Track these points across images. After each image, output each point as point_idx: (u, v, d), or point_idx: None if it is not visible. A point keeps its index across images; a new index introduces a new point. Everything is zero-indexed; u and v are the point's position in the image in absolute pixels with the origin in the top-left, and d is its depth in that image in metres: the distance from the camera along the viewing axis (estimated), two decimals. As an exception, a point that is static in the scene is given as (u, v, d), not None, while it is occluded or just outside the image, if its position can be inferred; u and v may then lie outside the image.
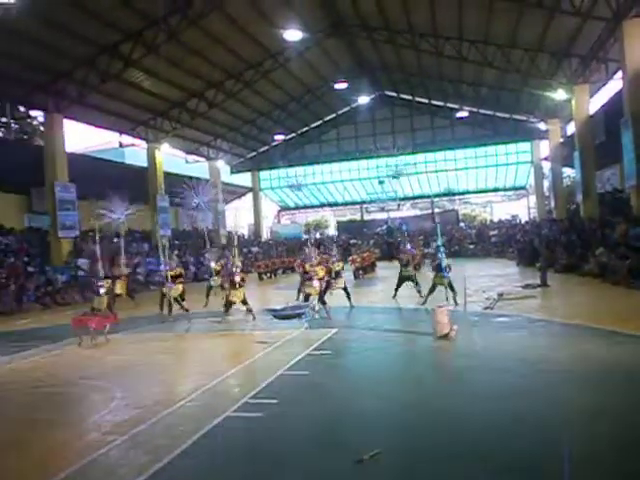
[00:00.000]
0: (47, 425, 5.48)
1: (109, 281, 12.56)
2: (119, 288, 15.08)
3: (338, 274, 12.86)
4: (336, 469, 4.02)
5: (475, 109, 33.75)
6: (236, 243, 13.50)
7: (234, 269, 11.87)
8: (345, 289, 12.84)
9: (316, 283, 11.39)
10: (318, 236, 44.18)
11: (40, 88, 20.19)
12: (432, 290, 11.99)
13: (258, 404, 5.57)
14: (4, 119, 27.76)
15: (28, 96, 20.70)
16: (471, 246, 34.12)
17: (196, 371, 7.69)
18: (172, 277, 12.58)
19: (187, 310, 12.55)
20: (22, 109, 25.06)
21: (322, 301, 11.48)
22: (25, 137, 30.29)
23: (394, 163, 36.30)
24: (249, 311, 11.84)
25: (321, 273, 11.82)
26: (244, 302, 11.82)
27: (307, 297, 11.90)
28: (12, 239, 21.14)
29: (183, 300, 12.62)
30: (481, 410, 5.10)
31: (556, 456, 3.99)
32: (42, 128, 25.65)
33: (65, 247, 21.66)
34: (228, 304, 11.81)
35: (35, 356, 9.32)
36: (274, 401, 5.65)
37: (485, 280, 16.99)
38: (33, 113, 27.15)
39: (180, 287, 12.70)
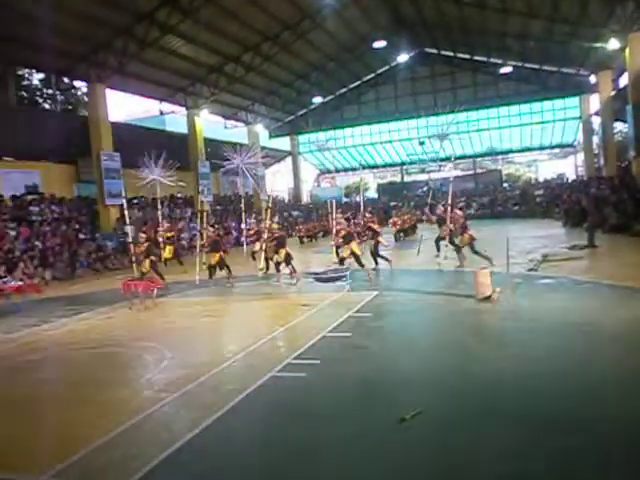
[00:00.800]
0: (104, 383, 5.82)
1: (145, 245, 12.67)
2: (167, 252, 15.58)
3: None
4: (379, 427, 4.14)
5: (520, 64, 32.25)
6: (270, 206, 13.77)
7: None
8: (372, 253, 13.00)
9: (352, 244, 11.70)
10: (358, 199, 44.09)
11: (82, 59, 20.51)
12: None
13: (301, 364, 5.74)
14: (50, 91, 28.45)
15: (71, 67, 21.08)
16: (515, 207, 33.27)
17: (240, 333, 7.93)
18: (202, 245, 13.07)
19: (228, 276, 12.86)
20: (66, 80, 25.59)
21: (360, 264, 11.65)
22: (70, 108, 30.99)
23: (439, 123, 35.34)
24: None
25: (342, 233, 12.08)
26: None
27: (342, 261, 12.04)
28: (63, 208, 21.93)
29: (221, 268, 12.88)
30: (523, 372, 5.11)
31: (596, 417, 4.00)
32: (86, 98, 26.20)
33: (112, 214, 22.36)
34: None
35: (89, 319, 9.81)
36: (317, 362, 5.81)
37: (529, 241, 16.63)
38: (77, 84, 27.76)
39: (217, 255, 12.76)
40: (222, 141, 32.64)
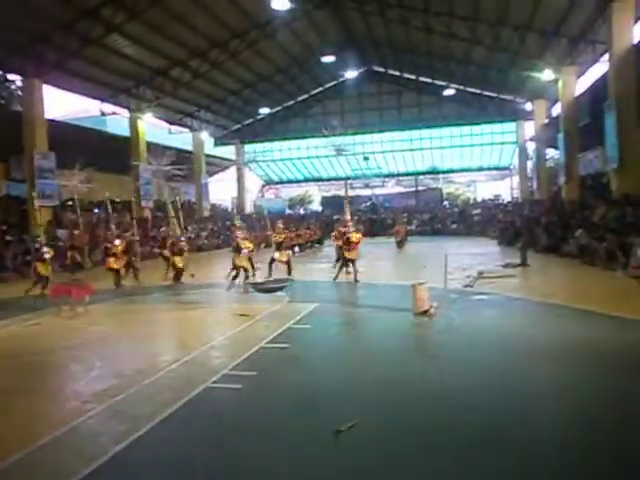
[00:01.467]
0: (27, 393, 5.47)
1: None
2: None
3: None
4: (314, 439, 4.09)
5: (462, 87, 33.63)
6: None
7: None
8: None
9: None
10: (302, 211, 44.27)
11: (18, 51, 19.51)
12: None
13: (237, 376, 5.61)
14: (-20, 83, 26.96)
15: (5, 59, 20.05)
16: (454, 225, 34.40)
17: (176, 342, 7.71)
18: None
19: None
20: (-1, 73, 24.34)
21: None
22: (2, 102, 29.42)
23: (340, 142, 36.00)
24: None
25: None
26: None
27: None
28: (-11, 207, 20.75)
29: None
30: (457, 384, 5.21)
31: (527, 429, 4.12)
32: (20, 93, 24.97)
33: (44, 216, 21.30)
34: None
35: (15, 325, 9.24)
36: (253, 373, 5.70)
37: (466, 258, 17.18)
38: (11, 77, 26.40)
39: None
40: (165, 146, 32.12)
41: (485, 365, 5.85)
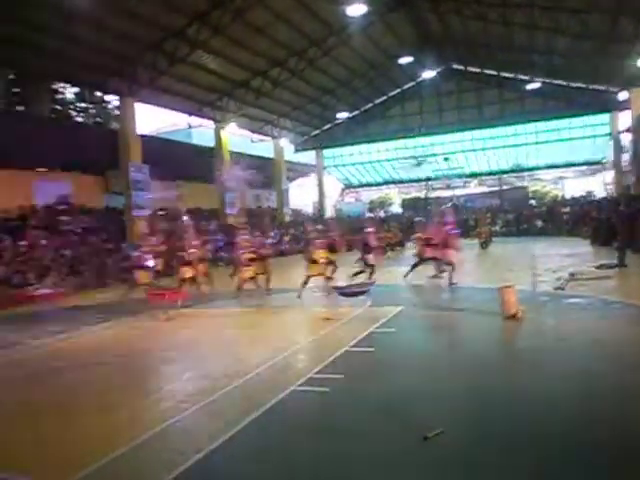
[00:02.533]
0: (127, 391, 5.88)
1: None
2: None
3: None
4: (401, 445, 4.07)
5: (547, 80, 32.00)
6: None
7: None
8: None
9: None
10: (382, 214, 44.05)
11: (114, 74, 21.07)
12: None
13: (324, 379, 5.70)
14: (83, 104, 29.27)
15: (104, 82, 21.65)
16: (541, 224, 32.79)
17: (263, 345, 7.93)
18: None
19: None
20: (98, 94, 26.30)
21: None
22: (101, 121, 31.79)
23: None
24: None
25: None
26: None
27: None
28: (92, 218, 22.41)
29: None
30: (548, 392, 4.99)
31: (623, 441, 3.88)
32: (117, 112, 26.84)
33: (139, 225, 22.75)
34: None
35: (114, 328, 9.94)
36: (340, 376, 5.76)
37: (556, 259, 16.33)
38: (108, 98, 28.52)
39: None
40: (248, 154, 33.23)
41: (578, 372, 5.54)
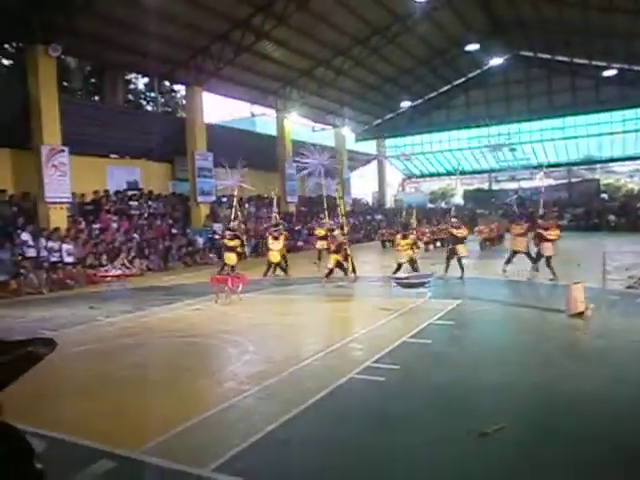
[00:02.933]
0: (190, 371, 6.13)
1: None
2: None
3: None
4: (458, 439, 4.04)
5: (626, 66, 30.14)
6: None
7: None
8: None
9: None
10: (444, 205, 43.25)
11: (182, 64, 21.71)
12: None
13: (381, 368, 5.73)
14: (153, 94, 30.33)
15: (172, 72, 22.36)
16: (614, 219, 31.12)
17: (321, 333, 8.05)
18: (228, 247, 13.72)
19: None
20: (167, 84, 27.15)
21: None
22: (169, 110, 32.83)
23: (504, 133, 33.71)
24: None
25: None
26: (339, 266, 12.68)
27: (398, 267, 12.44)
28: (159, 203, 23.28)
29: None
30: (614, 395, 4.79)
31: None
32: (184, 101, 27.64)
33: (203, 211, 23.45)
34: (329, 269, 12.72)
35: (179, 309, 10.36)
36: (397, 367, 5.77)
37: (629, 257, 15.47)
38: (176, 87, 29.39)
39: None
40: (309, 143, 33.37)
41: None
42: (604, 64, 30.65)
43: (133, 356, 6.94)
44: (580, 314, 7.77)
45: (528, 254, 12.55)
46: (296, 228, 26.46)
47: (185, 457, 3.88)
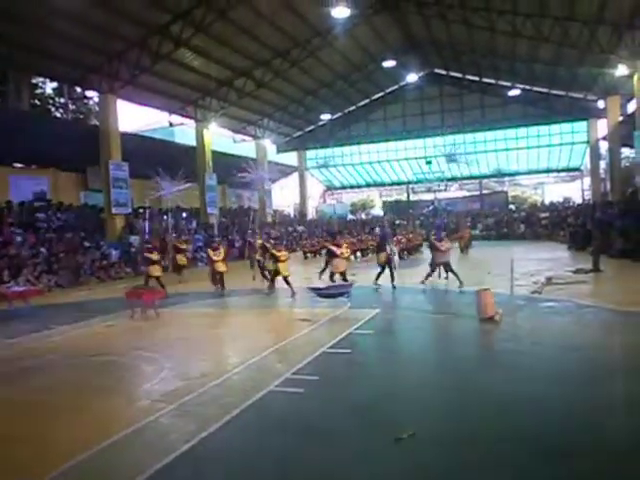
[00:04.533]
0: (101, 391, 5.80)
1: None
2: (182, 260, 16.21)
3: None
4: (375, 446, 4.10)
5: (528, 87, 32.52)
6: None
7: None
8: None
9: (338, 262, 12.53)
10: (363, 216, 44.25)
11: (95, 70, 20.80)
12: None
13: (300, 380, 5.71)
14: (62, 100, 28.83)
15: (84, 78, 21.38)
16: (521, 229, 33.26)
17: (240, 346, 7.90)
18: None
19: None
20: (78, 90, 25.92)
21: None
22: (81, 117, 31.35)
23: (449, 143, 35.36)
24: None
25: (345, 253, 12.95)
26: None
27: (332, 276, 12.71)
28: (70, 215, 22.07)
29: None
30: (523, 395, 5.05)
31: (593, 441, 3.95)
32: (97, 108, 26.50)
33: (118, 223, 22.48)
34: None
35: (90, 327, 9.80)
36: (315, 378, 5.77)
37: (533, 264, 16.56)
38: (88, 94, 28.12)
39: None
40: (230, 154, 33.09)
41: (552, 375, 5.64)
42: (509, 84, 32.87)
43: (37, 379, 6.47)
44: (490, 318, 8.17)
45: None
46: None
47: (91, 485, 3.65)
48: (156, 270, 13.44)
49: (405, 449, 3.98)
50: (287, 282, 12.40)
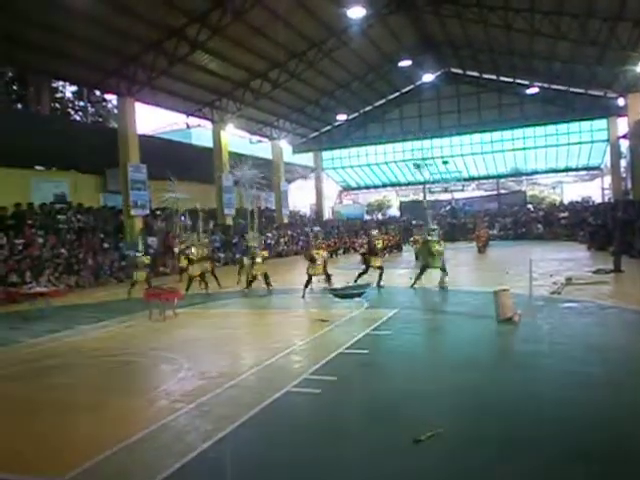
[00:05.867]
0: (121, 391, 5.87)
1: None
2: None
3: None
4: (393, 447, 4.08)
5: (546, 85, 32.11)
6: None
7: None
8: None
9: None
10: (380, 217, 44.12)
11: (113, 73, 21.04)
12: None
13: (317, 380, 5.71)
14: (81, 103, 29.24)
15: (103, 81, 21.61)
16: (539, 229, 32.87)
17: (258, 346, 7.93)
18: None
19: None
20: (97, 93, 26.26)
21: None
22: (100, 120, 31.76)
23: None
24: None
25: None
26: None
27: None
28: (89, 217, 22.36)
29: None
30: (541, 397, 5.00)
31: (614, 445, 3.89)
32: (115, 111, 26.83)
33: (137, 225, 22.71)
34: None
35: (110, 327, 9.94)
36: (333, 378, 5.76)
37: (553, 264, 16.36)
38: (107, 97, 28.47)
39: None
40: (246, 155, 33.22)
41: (572, 377, 5.55)
42: (527, 82, 32.49)
43: (59, 378, 6.57)
44: (509, 319, 8.09)
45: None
46: (233, 241, 26.12)
47: (112, 483, 3.69)
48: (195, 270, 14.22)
49: (422, 451, 3.96)
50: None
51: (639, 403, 4.85)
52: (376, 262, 13.34)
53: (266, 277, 13.49)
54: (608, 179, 36.74)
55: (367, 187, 45.94)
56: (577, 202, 37.94)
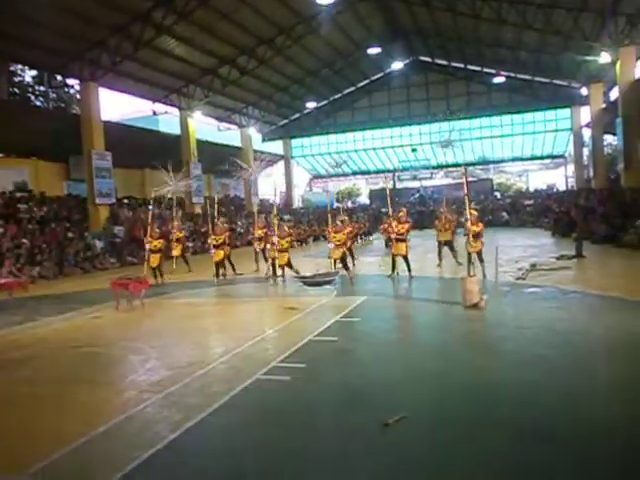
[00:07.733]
0: (87, 383, 5.76)
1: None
2: (177, 250, 16.22)
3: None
4: (362, 431, 4.13)
5: (513, 74, 32.65)
6: (274, 212, 14.20)
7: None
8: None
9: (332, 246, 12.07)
10: (350, 204, 44.26)
11: (76, 57, 20.42)
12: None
13: (287, 368, 5.72)
14: (42, 88, 28.30)
15: (64, 65, 20.97)
16: (505, 216, 33.54)
17: (227, 335, 7.89)
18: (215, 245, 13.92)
19: (224, 275, 13.99)
20: (59, 78, 25.46)
21: (344, 266, 11.91)
22: (62, 106, 30.82)
23: (433, 131, 35.33)
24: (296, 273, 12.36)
25: (342, 238, 12.25)
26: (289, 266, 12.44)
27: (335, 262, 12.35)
28: (52, 206, 21.76)
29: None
30: (507, 379, 5.13)
31: (576, 426, 4.02)
32: (78, 97, 26.08)
33: (102, 214, 22.23)
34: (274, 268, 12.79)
35: (75, 318, 9.71)
36: (302, 365, 5.78)
37: (518, 250, 16.74)
38: (69, 82, 27.63)
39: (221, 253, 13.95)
40: (215, 143, 32.83)
41: (537, 360, 5.70)
42: (494, 71, 32.96)
43: (21, 370, 6.40)
44: (475, 305, 8.25)
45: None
46: (202, 230, 25.82)
47: (78, 476, 3.63)
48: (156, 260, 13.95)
49: (391, 435, 4.02)
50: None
51: (600, 383, 5.03)
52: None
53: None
54: (572, 167, 37.70)
55: (337, 175, 46.01)
56: (542, 190, 38.86)
